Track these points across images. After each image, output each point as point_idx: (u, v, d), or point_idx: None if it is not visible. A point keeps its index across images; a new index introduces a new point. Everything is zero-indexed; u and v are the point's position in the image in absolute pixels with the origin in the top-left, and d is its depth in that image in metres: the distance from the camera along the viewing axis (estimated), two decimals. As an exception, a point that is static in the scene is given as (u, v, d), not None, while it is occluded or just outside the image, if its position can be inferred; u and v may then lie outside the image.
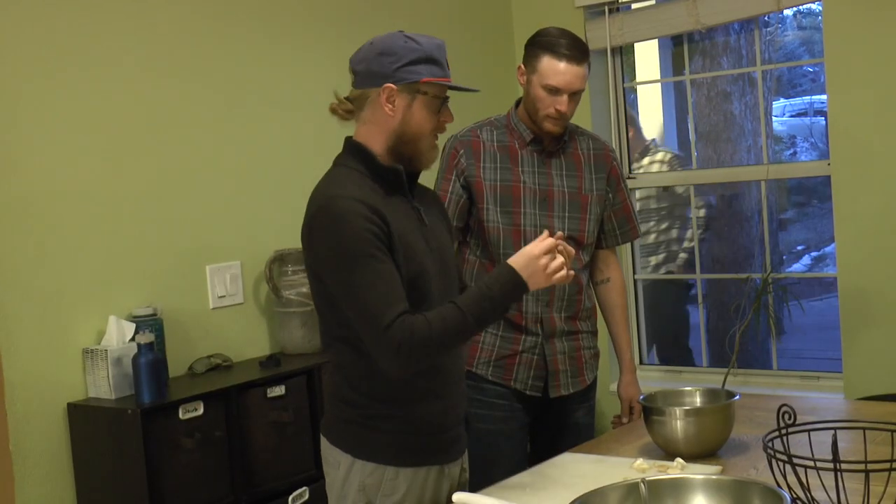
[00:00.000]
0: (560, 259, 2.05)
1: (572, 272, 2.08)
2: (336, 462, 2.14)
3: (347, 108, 2.14)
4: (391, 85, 2.05)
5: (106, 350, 2.90)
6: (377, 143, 2.10)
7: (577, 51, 2.74)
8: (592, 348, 2.98)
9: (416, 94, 2.06)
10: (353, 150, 2.12)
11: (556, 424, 2.95)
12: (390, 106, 2.06)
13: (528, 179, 2.82)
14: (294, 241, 3.45)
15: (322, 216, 2.01)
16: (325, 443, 2.18)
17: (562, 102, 2.73)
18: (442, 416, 2.16)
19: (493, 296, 2.02)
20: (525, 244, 2.73)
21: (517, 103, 2.88)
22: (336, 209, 1.99)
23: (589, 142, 2.94)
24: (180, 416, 2.84)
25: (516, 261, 2.04)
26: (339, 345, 2.10)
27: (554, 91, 2.73)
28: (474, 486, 2.68)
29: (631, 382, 3.04)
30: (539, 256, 2.03)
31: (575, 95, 2.76)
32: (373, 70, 2.06)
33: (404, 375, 2.02)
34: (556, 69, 2.72)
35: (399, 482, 2.10)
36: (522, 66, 2.80)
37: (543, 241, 2.05)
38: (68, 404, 2.90)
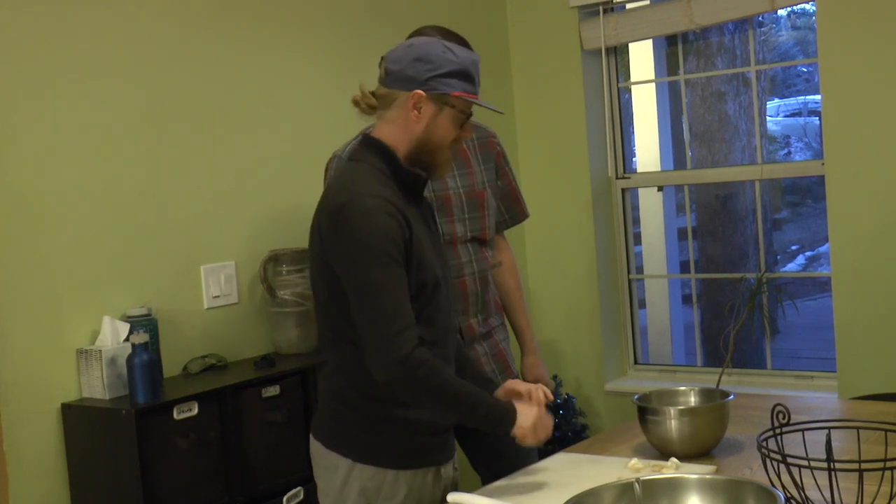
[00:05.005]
0: (546, 432, 2.13)
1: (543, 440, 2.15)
2: (333, 466, 2.12)
3: (371, 104, 2.13)
4: (421, 92, 2.05)
5: (100, 350, 2.89)
6: (400, 146, 2.10)
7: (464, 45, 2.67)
8: (506, 338, 2.92)
9: (444, 105, 2.07)
10: (377, 149, 2.11)
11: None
12: (416, 112, 2.06)
13: None
14: (289, 240, 3.46)
15: (349, 211, 1.99)
16: (318, 446, 2.16)
17: None
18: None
19: (490, 404, 2.10)
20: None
21: None
22: (365, 206, 1.99)
23: (472, 132, 2.90)
24: (175, 416, 2.84)
25: (521, 409, 2.11)
26: (343, 345, 2.08)
27: None
28: None
29: (535, 364, 2.99)
30: (541, 415, 2.12)
31: None
32: (407, 73, 2.06)
33: (387, 386, 2.01)
34: None
35: (400, 484, 2.10)
36: None
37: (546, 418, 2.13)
38: (62, 405, 2.90)
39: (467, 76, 2.08)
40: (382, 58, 2.13)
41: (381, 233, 1.98)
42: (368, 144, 2.13)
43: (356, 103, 2.15)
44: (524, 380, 2.98)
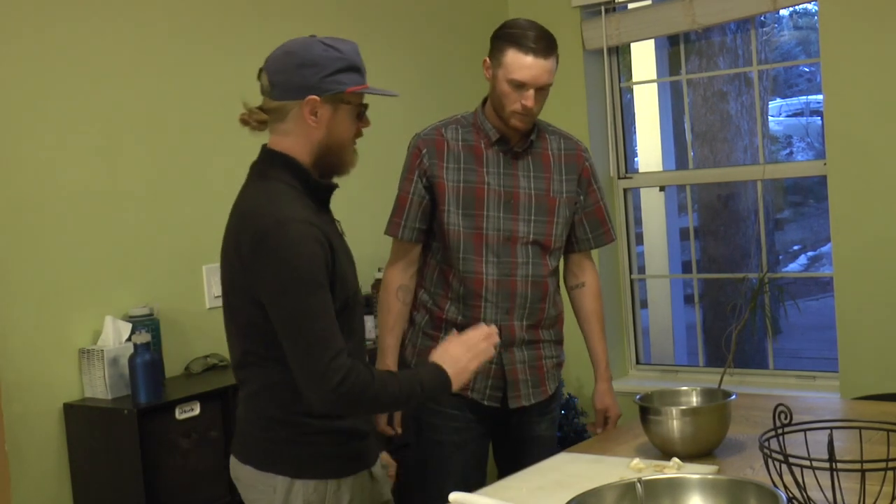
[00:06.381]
0: (478, 344, 2.15)
1: (492, 352, 2.19)
2: (269, 487, 2.05)
3: (261, 119, 2.06)
4: (315, 97, 1.99)
5: (102, 350, 2.89)
6: (303, 156, 2.05)
7: (543, 43, 2.62)
8: (555, 357, 2.84)
9: (339, 104, 2.02)
10: (285, 164, 2.05)
11: (517, 437, 2.84)
12: (314, 118, 2.01)
13: (492, 181, 2.69)
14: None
15: (274, 240, 1.94)
16: (248, 470, 2.08)
17: (528, 97, 2.61)
18: (366, 421, 2.17)
19: (422, 382, 2.08)
20: (487, 249, 2.68)
21: (484, 100, 2.75)
22: (291, 233, 1.94)
23: (560, 141, 2.81)
24: (176, 416, 2.84)
25: (441, 359, 2.12)
26: (268, 366, 2.02)
27: (520, 86, 2.61)
28: (427, 500, 2.69)
29: (606, 392, 2.91)
30: (462, 351, 2.14)
31: (542, 90, 2.63)
32: (294, 82, 2.00)
33: (327, 411, 1.99)
34: (521, 63, 2.59)
35: (342, 493, 2.07)
36: (488, 60, 2.67)
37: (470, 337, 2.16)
38: (64, 404, 2.90)
39: (354, 68, 2.03)
40: (261, 69, 2.07)
41: (308, 260, 1.94)
42: (274, 160, 2.07)
43: (245, 122, 2.08)
44: (594, 407, 2.95)
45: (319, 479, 2.05)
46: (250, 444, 2.10)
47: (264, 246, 1.95)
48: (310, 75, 1.99)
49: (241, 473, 2.11)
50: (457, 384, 2.11)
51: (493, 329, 2.19)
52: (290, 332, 1.95)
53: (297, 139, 2.04)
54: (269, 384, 2.04)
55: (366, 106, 2.09)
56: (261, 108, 2.06)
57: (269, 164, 2.07)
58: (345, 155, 2.08)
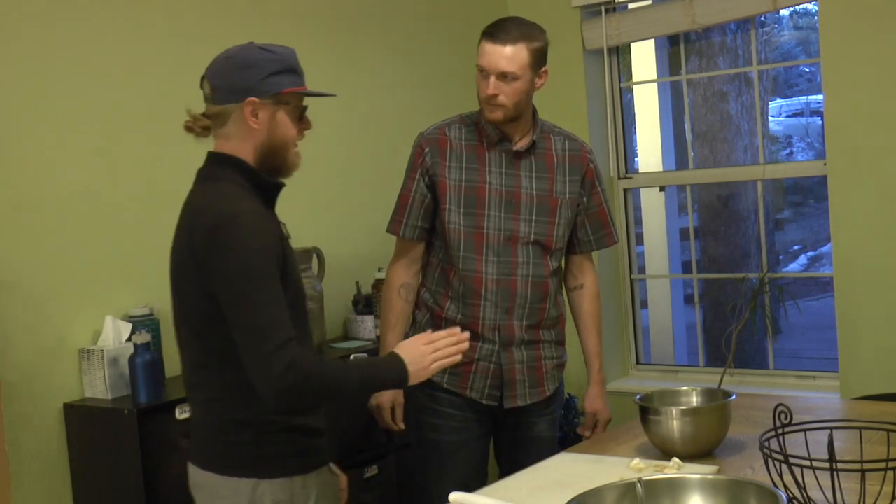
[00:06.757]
0: (446, 349, 2.14)
1: (457, 358, 2.17)
2: (233, 491, 2.04)
3: (205, 125, 2.10)
4: (254, 99, 2.03)
5: (102, 350, 2.89)
6: (247, 157, 2.08)
7: (504, 32, 2.63)
8: (556, 358, 2.85)
9: (279, 105, 2.06)
10: (232, 165, 2.08)
11: (516, 437, 2.85)
12: (255, 119, 2.04)
13: (494, 180, 2.71)
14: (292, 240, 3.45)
15: (227, 231, 1.96)
16: (209, 476, 2.07)
17: (489, 84, 2.62)
18: (320, 419, 2.16)
19: (379, 372, 2.12)
20: (487, 248, 2.69)
21: None
22: (243, 225, 1.96)
23: (565, 142, 2.82)
24: (176, 416, 2.84)
25: (405, 352, 2.12)
26: (225, 367, 2.01)
27: (482, 72, 2.65)
28: (427, 500, 2.70)
29: (597, 395, 2.93)
30: (428, 350, 2.13)
31: (505, 79, 2.63)
32: (234, 85, 2.04)
33: (274, 401, 1.97)
34: (482, 49, 2.65)
35: (309, 488, 2.08)
36: None
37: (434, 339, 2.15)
38: (64, 405, 2.90)
39: (292, 70, 2.08)
40: (203, 77, 2.11)
41: (259, 251, 1.95)
42: (221, 162, 2.10)
43: (189, 129, 2.12)
44: (584, 410, 2.96)
45: (285, 478, 2.05)
46: (209, 448, 2.09)
47: (216, 237, 1.96)
48: (248, 77, 2.04)
49: (202, 480, 2.09)
50: (413, 381, 2.11)
51: (466, 335, 2.19)
52: (240, 320, 1.95)
53: (240, 141, 2.08)
54: (227, 386, 2.03)
55: (305, 107, 2.12)
56: (204, 115, 2.11)
57: (217, 165, 2.11)
58: (287, 156, 2.11)
